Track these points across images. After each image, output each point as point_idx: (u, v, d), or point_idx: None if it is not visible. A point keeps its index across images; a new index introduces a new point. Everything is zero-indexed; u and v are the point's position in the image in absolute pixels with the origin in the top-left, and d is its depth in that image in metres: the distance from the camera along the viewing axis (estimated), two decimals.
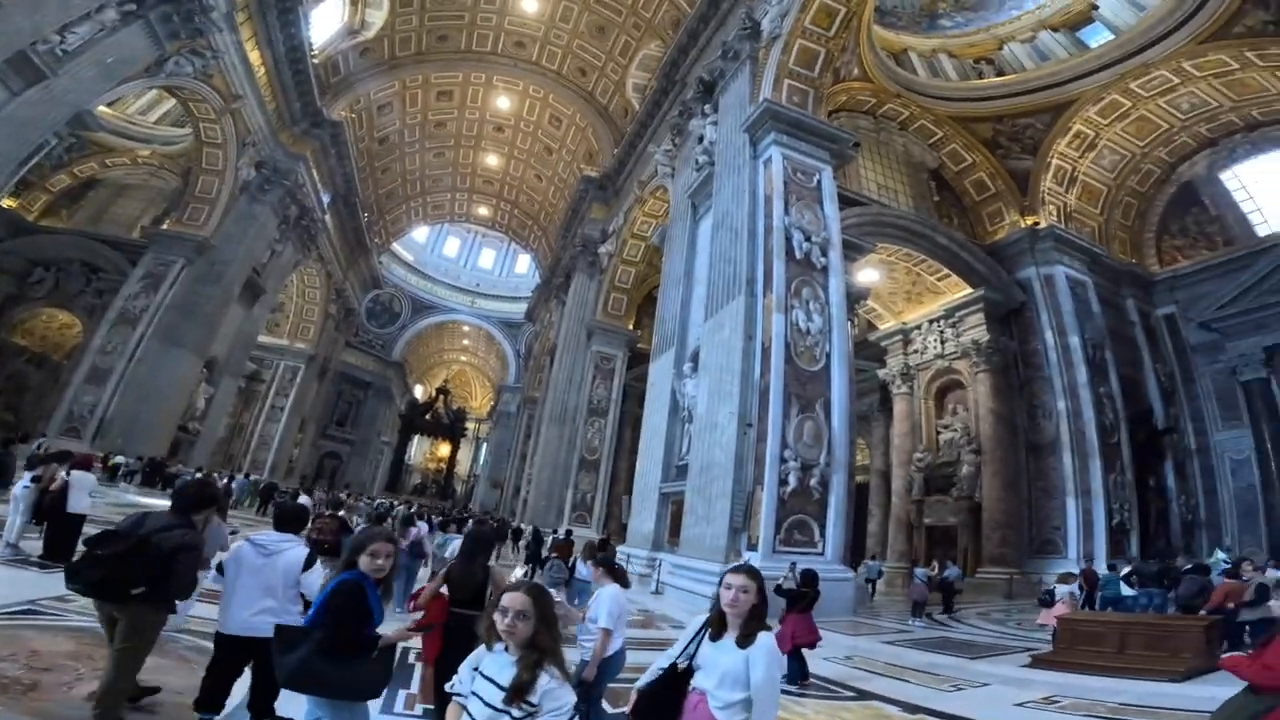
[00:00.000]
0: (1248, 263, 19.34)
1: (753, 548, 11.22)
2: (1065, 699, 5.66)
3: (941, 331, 22.01)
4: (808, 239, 13.54)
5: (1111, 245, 22.36)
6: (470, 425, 60.38)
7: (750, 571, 2.42)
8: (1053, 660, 7.34)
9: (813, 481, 11.77)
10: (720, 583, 2.42)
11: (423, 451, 60.11)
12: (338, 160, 31.42)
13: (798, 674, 5.87)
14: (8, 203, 25.42)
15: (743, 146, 15.06)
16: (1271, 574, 10.14)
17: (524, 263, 52.04)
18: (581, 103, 31.38)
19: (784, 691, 5.46)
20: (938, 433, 22.26)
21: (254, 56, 23.58)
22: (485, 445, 57.40)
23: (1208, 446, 20.36)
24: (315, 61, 26.48)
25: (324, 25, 26.75)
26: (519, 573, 9.68)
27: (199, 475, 24.70)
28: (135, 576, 3.03)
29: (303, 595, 3.33)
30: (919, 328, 23.01)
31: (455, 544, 7.27)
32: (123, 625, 3.15)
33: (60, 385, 24.70)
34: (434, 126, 35.64)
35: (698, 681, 2.36)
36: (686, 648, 2.46)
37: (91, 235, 26.78)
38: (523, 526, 22.71)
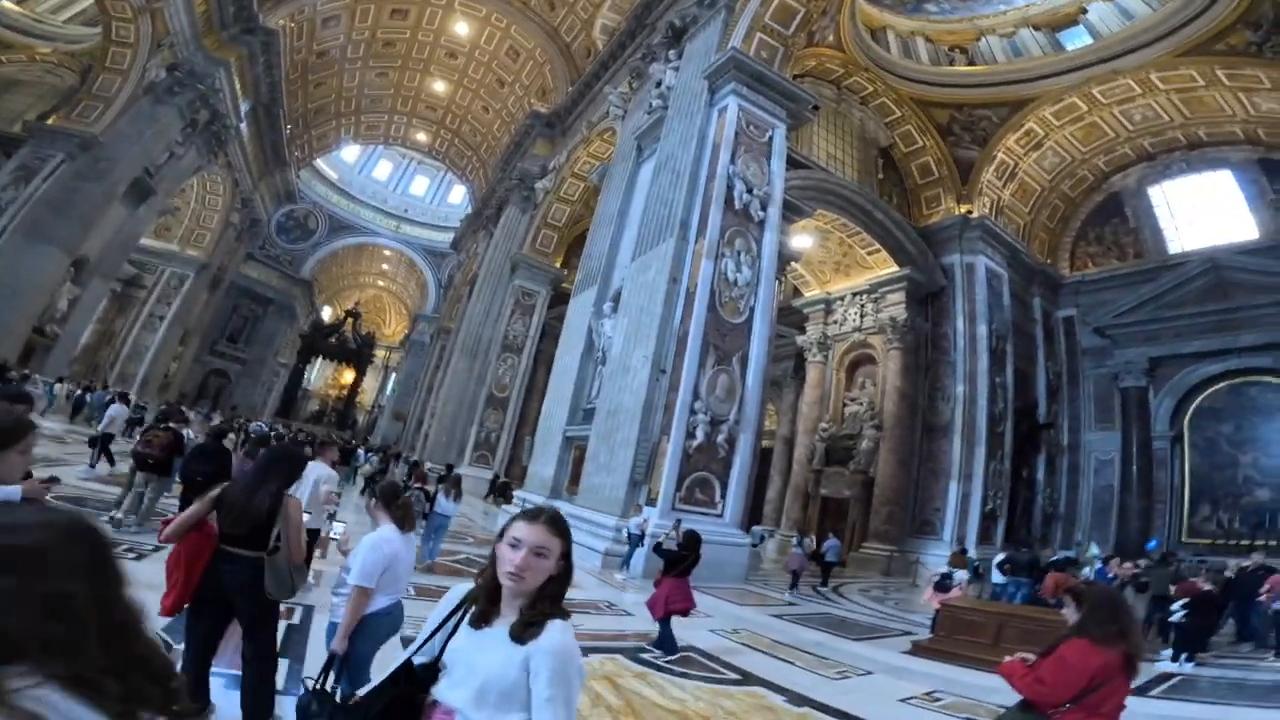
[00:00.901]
0: (1152, 276, 20.35)
1: (651, 503, 10.93)
2: (947, 695, 5.50)
3: (863, 305, 22.28)
4: (749, 191, 13.26)
5: (1032, 244, 23.14)
6: (380, 353, 57.32)
7: (554, 523, 1.51)
8: (932, 648, 7.32)
9: (720, 438, 11.57)
10: (501, 533, 1.52)
11: (324, 377, 56.61)
12: (265, 69, 28.07)
13: (671, 644, 5.55)
14: None
15: (700, 93, 14.51)
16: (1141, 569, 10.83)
17: (458, 193, 49.35)
18: (544, 37, 29.66)
19: (658, 667, 5.05)
20: (844, 405, 22.70)
21: None
22: (394, 375, 54.91)
23: (1078, 444, 21.73)
24: None
25: None
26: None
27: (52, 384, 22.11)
28: None
29: None
30: (842, 299, 23.19)
31: (318, 472, 6.25)
32: None
33: None
34: (382, 45, 32.67)
35: (443, 693, 1.46)
36: (433, 635, 1.56)
37: None
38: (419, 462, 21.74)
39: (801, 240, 19.79)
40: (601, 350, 14.61)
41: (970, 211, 21.20)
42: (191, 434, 8.21)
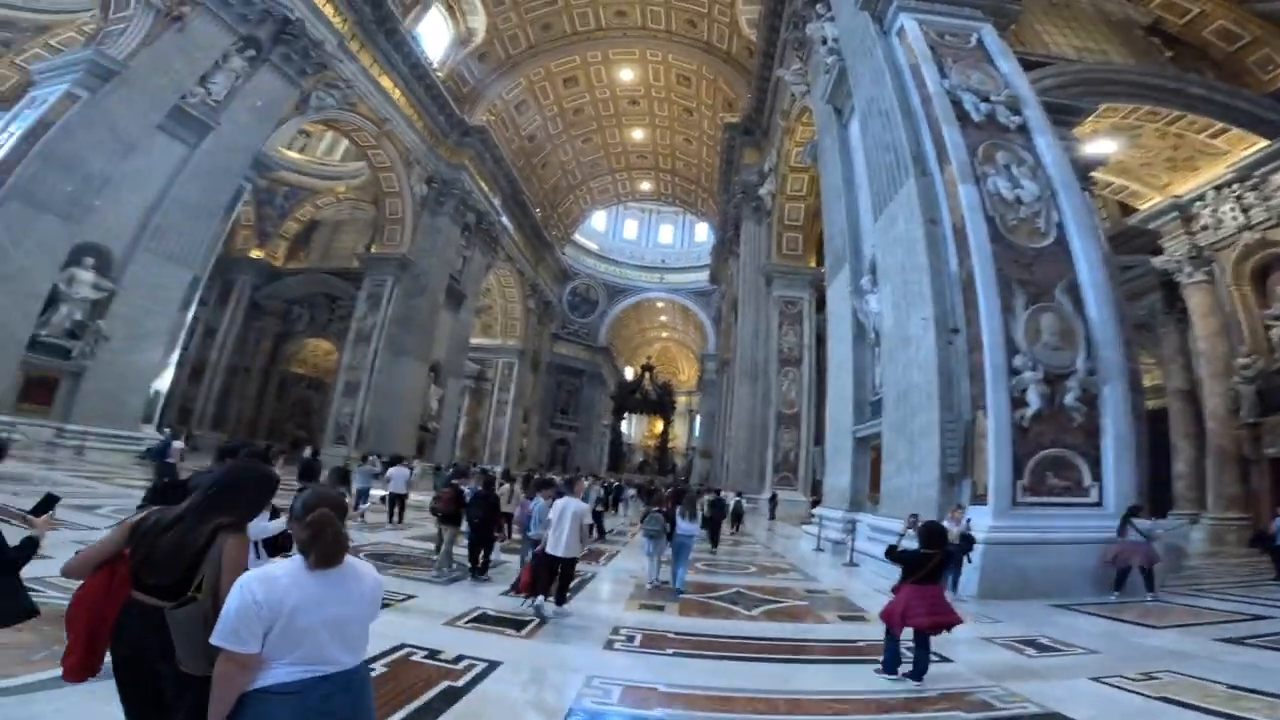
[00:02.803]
0: None
1: (979, 500, 8.28)
2: None
3: (1239, 197, 16.73)
4: (984, 100, 10.67)
5: None
6: (681, 399, 60.71)
7: None
8: None
9: (1068, 398, 8.40)
10: None
11: (640, 430, 61.84)
12: (495, 164, 32.97)
13: (897, 662, 4.28)
14: (255, 253, 30.84)
15: (866, 27, 12.80)
16: None
17: (702, 230, 51.01)
18: (701, 54, 30.29)
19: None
20: (1267, 327, 16.25)
21: (385, 81, 25.24)
22: (698, 417, 57.30)
23: None
24: (440, 76, 27.96)
25: (436, 42, 28.32)
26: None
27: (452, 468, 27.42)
28: None
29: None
30: (1201, 198, 17.55)
31: (574, 507, 5.96)
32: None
33: (326, 402, 29.22)
34: (572, 114, 36.19)
35: None
36: None
37: (323, 270, 31.39)
38: (725, 495, 21.42)
39: (1101, 145, 15.70)
40: (873, 331, 12.42)
41: None
42: (468, 487, 8.78)
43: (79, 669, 1.96)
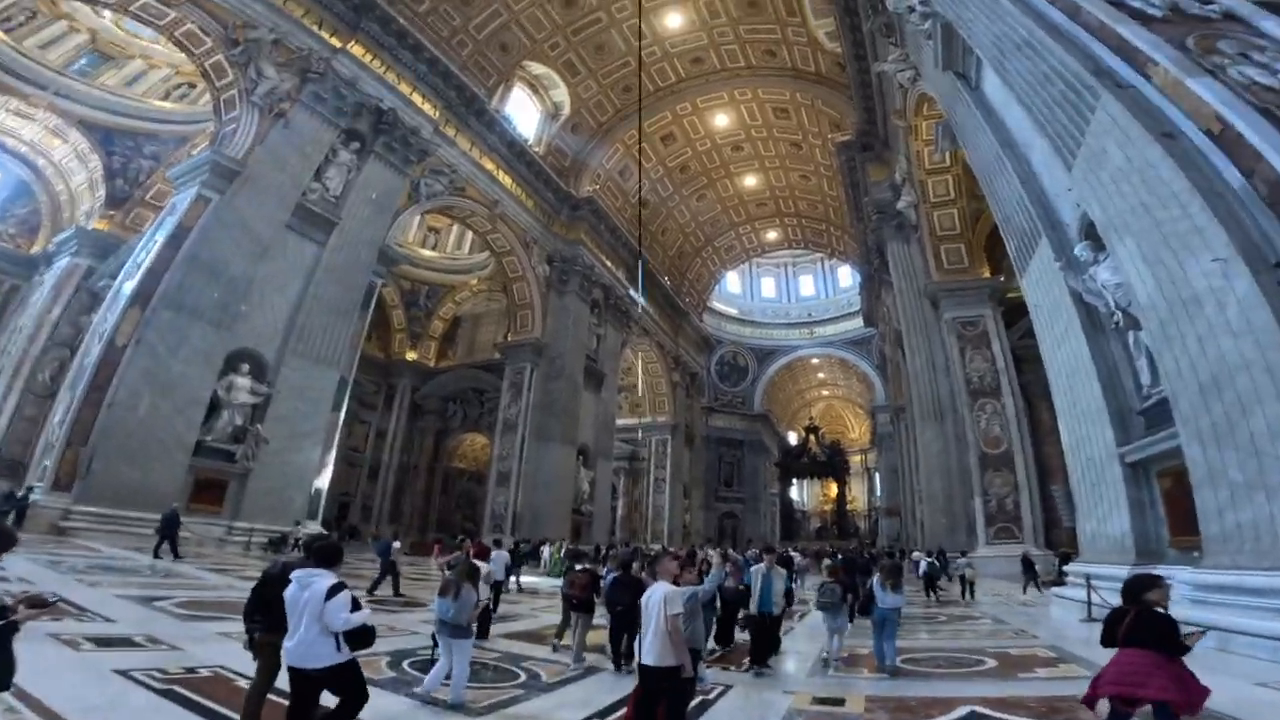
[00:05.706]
0: None
1: None
2: None
3: None
4: None
5: None
6: (855, 458, 56.34)
7: None
8: None
9: None
10: None
11: (814, 494, 57.49)
12: (612, 235, 32.76)
13: None
14: (410, 356, 32.75)
15: None
16: None
17: (845, 274, 47.86)
18: (790, 81, 29.08)
19: None
20: None
21: (487, 164, 25.94)
22: (877, 474, 51.92)
23: None
24: (539, 152, 28.56)
25: (526, 119, 29.21)
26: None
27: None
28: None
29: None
30: None
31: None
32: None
33: (485, 493, 29.40)
34: (678, 172, 35.71)
35: None
36: None
37: (468, 365, 32.61)
38: (916, 555, 17.51)
39: None
40: (1116, 311, 9.00)
41: None
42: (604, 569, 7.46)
43: None
